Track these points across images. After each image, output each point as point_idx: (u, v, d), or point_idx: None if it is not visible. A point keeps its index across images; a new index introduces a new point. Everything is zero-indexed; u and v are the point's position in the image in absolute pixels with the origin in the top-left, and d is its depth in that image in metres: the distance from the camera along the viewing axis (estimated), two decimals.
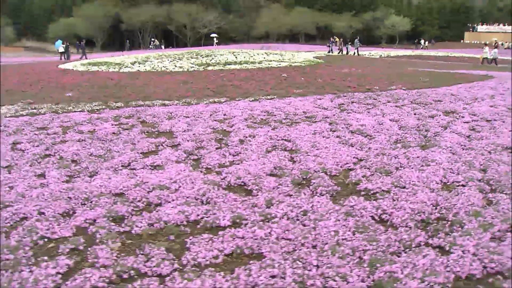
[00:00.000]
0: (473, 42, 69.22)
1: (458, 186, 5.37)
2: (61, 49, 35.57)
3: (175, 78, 17.95)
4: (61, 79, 18.54)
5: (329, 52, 42.73)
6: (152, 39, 44.33)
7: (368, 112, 10.35)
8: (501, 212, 4.45)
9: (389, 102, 11.87)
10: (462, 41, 71.47)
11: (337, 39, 42.98)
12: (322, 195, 5.00)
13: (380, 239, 3.79)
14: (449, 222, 4.25)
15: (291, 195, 4.98)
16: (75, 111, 10.82)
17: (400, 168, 5.95)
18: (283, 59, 25.93)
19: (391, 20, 75.44)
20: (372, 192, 5.10)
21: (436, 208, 4.59)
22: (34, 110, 10.96)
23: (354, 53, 40.97)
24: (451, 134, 8.10)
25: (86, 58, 32.85)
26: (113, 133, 8.60)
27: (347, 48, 42.80)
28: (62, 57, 35.29)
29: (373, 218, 4.38)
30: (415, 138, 7.82)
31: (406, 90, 14.27)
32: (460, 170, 5.91)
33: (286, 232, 4.03)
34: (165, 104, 11.64)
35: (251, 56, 26.12)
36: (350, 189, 5.30)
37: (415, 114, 10.21)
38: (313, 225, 4.15)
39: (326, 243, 3.80)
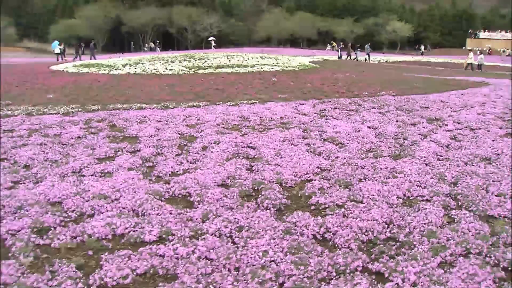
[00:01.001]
0: (475, 49, 68.65)
1: (422, 201, 4.93)
2: (57, 50, 35.34)
3: (162, 81, 17.55)
4: (48, 80, 18.18)
5: (339, 57, 41.38)
6: (146, 44, 43.77)
7: (348, 118, 9.92)
8: (459, 233, 4.01)
9: (373, 108, 11.44)
10: (463, 47, 70.85)
11: (334, 44, 42.28)
12: (267, 209, 4.56)
13: (311, 262, 3.34)
14: (398, 243, 3.81)
15: (233, 208, 4.54)
16: (49, 114, 10.44)
17: (363, 180, 5.50)
18: (277, 63, 25.46)
19: (392, 26, 74.97)
20: (323, 206, 4.65)
21: (388, 227, 4.14)
22: (9, 112, 10.58)
23: (366, 59, 39.52)
24: (429, 143, 7.66)
25: (95, 59, 32.83)
26: (78, 137, 8.21)
27: (356, 53, 41.39)
28: (59, 58, 35.12)
29: (314, 237, 3.94)
30: (389, 147, 7.39)
31: (395, 96, 13.84)
32: (428, 183, 5.47)
33: (211, 251, 3.60)
34: (142, 108, 11.25)
35: (245, 60, 25.64)
36: (301, 203, 4.85)
37: (397, 121, 9.78)
38: (243, 243, 3.72)
39: (252, 265, 3.36)
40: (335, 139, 7.77)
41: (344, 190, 5.09)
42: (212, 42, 57.02)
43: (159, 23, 74.35)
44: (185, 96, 13.37)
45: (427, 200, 4.93)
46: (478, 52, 36.71)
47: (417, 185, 5.39)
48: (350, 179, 5.50)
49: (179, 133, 8.33)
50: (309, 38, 78.34)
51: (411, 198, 5.04)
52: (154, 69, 22.05)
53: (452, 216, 4.51)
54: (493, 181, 5.68)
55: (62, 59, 34.97)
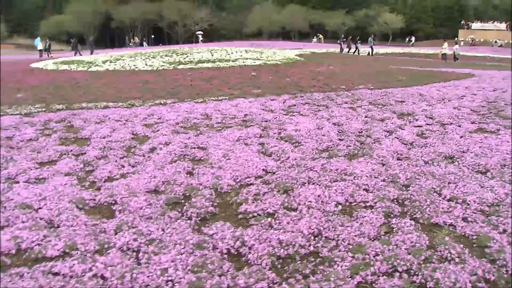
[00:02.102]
0: (467, 39, 68.21)
1: (363, 208, 4.55)
2: (40, 47, 34.88)
3: (138, 78, 17.13)
4: (23, 79, 17.72)
5: (341, 51, 40.28)
6: (132, 39, 42.72)
7: (315, 114, 9.53)
8: (391, 246, 3.63)
9: (345, 103, 11.05)
10: (456, 38, 70.32)
11: (320, 36, 41.60)
12: (189, 219, 4.19)
13: (207, 283, 2.97)
14: (318, 260, 3.44)
15: (151, 218, 4.16)
16: (10, 115, 10.01)
17: (305, 184, 5.12)
18: (261, 57, 25.06)
19: (384, 17, 74.38)
20: (251, 215, 4.27)
21: (314, 239, 3.76)
22: None
23: (369, 52, 37.50)
24: (392, 141, 7.28)
25: (92, 54, 33.08)
26: (30, 139, 7.81)
27: (356, 46, 39.45)
28: (42, 55, 34.69)
29: (228, 251, 3.56)
30: (348, 146, 7.00)
31: (372, 90, 13.46)
32: (376, 186, 5.09)
33: (109, 268, 3.23)
34: (108, 107, 10.86)
35: (228, 54, 25.25)
36: (229, 212, 4.47)
37: (366, 117, 9.40)
38: (145, 259, 3.34)
39: (146, 286, 2.99)
40: (292, 138, 7.39)
41: (281, 196, 4.70)
42: (200, 36, 56.24)
43: (149, 18, 73.58)
44: (156, 93, 12.97)
45: (370, 207, 4.56)
46: (454, 42, 36.26)
47: (364, 189, 5.01)
48: (293, 183, 5.12)
49: (133, 134, 7.95)
50: (300, 31, 77.75)
51: (353, 204, 4.67)
52: (134, 65, 21.62)
53: (391, 226, 4.14)
54: (449, 183, 5.32)
55: (48, 56, 34.53)
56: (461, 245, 3.69)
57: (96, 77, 17.94)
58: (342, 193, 4.83)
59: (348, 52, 39.85)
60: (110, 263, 3.30)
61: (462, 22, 74.03)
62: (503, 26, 70.49)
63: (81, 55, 33.07)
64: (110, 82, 16.08)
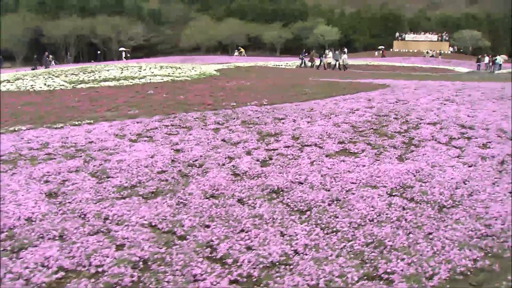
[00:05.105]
0: (402, 50, 69.86)
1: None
2: None
3: (19, 100, 15.66)
4: None
5: (301, 65, 37.94)
6: (50, 56, 40.53)
7: (166, 139, 8.54)
8: None
9: (216, 123, 10.12)
10: (391, 49, 71.89)
11: (241, 49, 40.92)
12: None
13: None
14: None
15: None
16: None
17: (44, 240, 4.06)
18: (174, 73, 23.97)
19: (320, 29, 75.10)
20: None
21: None
22: None
23: (340, 66, 34.77)
24: (219, 172, 6.29)
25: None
26: None
27: (321, 60, 37.04)
28: None
29: None
30: (163, 180, 5.99)
31: (262, 106, 12.59)
32: (136, 241, 4.08)
33: None
34: None
35: (139, 71, 24.03)
36: None
37: (223, 140, 8.46)
38: None
39: None
40: (106, 172, 6.33)
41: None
42: (123, 53, 54.47)
43: (82, 34, 71.20)
44: (19, 118, 11.63)
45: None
46: (342, 51, 36.97)
47: (117, 247, 4.00)
48: (53, 233, 4.05)
49: None
50: (238, 44, 77.33)
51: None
52: (31, 86, 20.06)
53: None
54: (243, 230, 4.38)
55: None
56: None
57: None
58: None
59: (311, 66, 37.18)
60: None
61: (397, 33, 75.90)
62: (435, 37, 72.76)
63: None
64: None
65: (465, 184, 5.98)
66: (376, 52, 63.65)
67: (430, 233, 4.41)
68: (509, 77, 28.16)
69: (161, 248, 3.94)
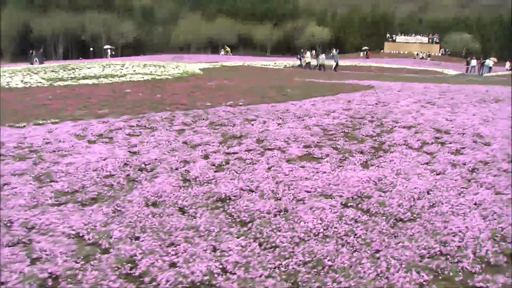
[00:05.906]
0: (392, 52, 69.92)
1: None
2: None
3: None
4: None
5: (299, 65, 37.34)
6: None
7: (126, 140, 8.20)
8: None
9: (183, 123, 9.78)
10: (382, 51, 71.95)
11: (228, 48, 40.52)
12: None
13: None
14: None
15: None
16: None
17: None
18: (155, 71, 23.61)
19: (311, 30, 74.96)
20: None
21: None
22: None
23: (334, 67, 34.72)
24: (168, 178, 5.93)
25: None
26: None
27: (317, 60, 36.24)
28: None
29: None
30: (109, 185, 5.67)
31: (236, 107, 12.25)
32: (51, 254, 3.76)
33: None
34: None
35: (121, 69, 23.65)
36: None
37: (184, 142, 8.12)
38: None
39: None
40: (51, 176, 5.98)
41: None
42: (108, 50, 53.83)
43: (71, 30, 70.51)
44: None
45: None
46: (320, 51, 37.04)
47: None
48: None
49: None
50: (229, 43, 77.00)
51: None
52: (8, 83, 19.62)
53: None
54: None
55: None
56: None
57: None
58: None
59: (304, 67, 36.55)
60: None
61: (388, 35, 75.98)
62: (425, 39, 72.89)
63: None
64: None
65: (428, 194, 5.67)
66: (362, 53, 64.49)
67: (378, 251, 4.09)
68: (497, 80, 28.03)
69: (77, 263, 3.62)
